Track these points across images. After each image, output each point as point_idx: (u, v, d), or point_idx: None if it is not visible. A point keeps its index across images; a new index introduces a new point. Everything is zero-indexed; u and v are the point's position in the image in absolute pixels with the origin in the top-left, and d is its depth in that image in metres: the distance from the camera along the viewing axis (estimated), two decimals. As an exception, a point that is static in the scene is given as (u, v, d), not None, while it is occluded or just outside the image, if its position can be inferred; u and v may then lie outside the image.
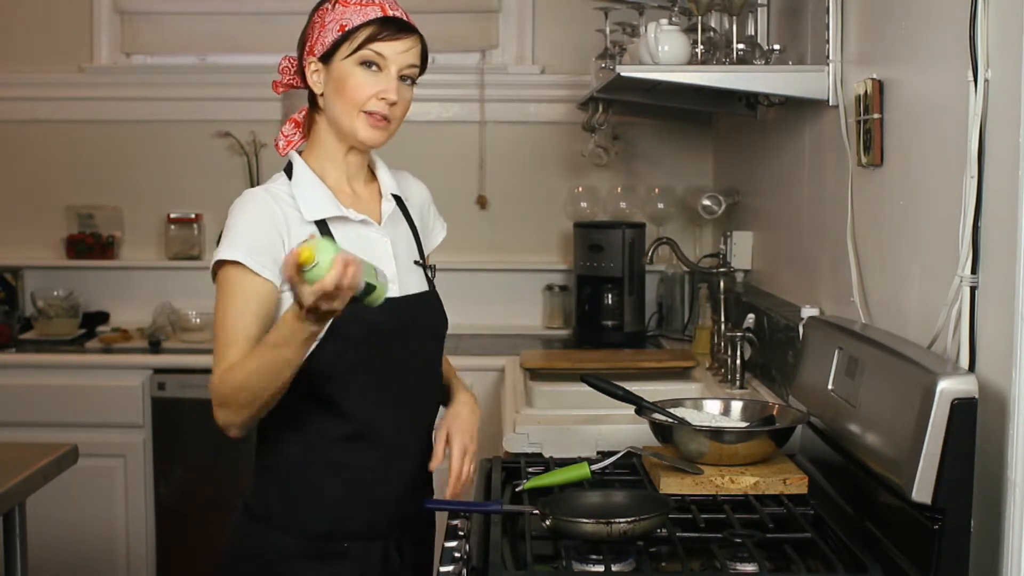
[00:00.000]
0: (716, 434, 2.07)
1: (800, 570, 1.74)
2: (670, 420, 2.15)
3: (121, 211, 4.31)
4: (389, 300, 1.88)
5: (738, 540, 1.81)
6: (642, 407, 2.20)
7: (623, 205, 4.13)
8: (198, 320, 4.00)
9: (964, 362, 1.75)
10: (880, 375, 1.85)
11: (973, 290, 1.74)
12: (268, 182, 1.94)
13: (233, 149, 4.25)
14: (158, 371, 3.76)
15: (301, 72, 1.94)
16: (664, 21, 2.65)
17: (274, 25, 4.30)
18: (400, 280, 1.93)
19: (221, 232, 1.86)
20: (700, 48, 2.67)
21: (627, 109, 3.83)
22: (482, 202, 4.25)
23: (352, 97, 1.86)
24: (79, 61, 4.28)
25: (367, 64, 1.85)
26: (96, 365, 3.81)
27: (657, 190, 4.11)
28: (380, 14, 1.86)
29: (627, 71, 2.67)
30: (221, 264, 1.82)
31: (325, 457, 1.88)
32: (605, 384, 2.23)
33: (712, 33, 2.84)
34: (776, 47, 2.71)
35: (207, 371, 3.82)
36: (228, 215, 1.86)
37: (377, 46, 1.85)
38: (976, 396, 1.61)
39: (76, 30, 4.27)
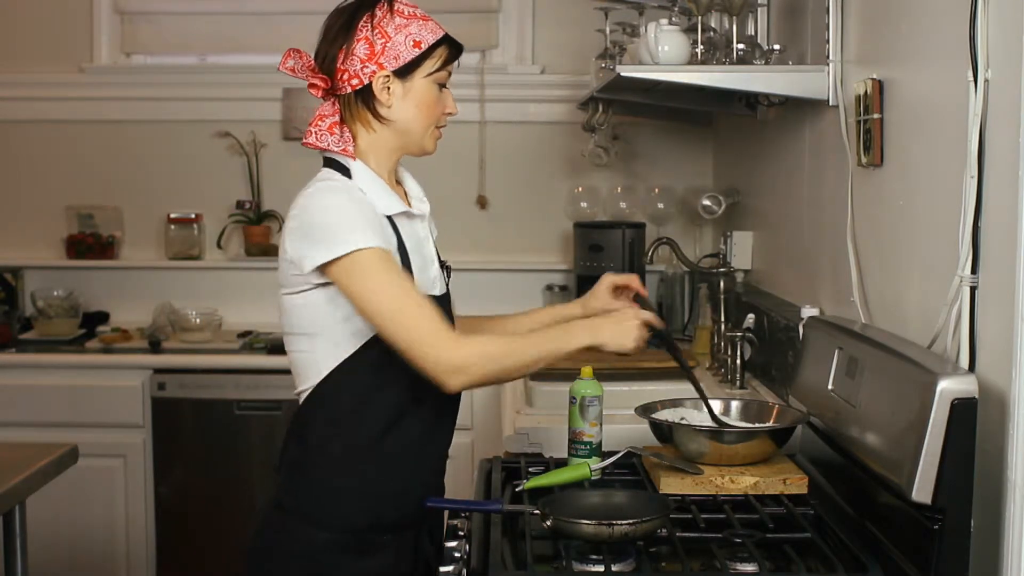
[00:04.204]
0: (716, 434, 2.07)
1: (800, 570, 1.74)
2: (670, 420, 2.15)
3: (121, 211, 4.31)
4: (439, 296, 1.96)
5: (738, 540, 1.81)
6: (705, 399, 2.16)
7: (623, 205, 4.13)
8: (198, 320, 4.00)
9: (964, 362, 1.75)
10: (880, 375, 1.85)
11: (973, 290, 1.74)
12: (324, 179, 1.90)
13: (233, 149, 4.26)
14: (158, 371, 3.76)
15: (330, 73, 1.90)
16: (664, 21, 2.65)
17: (274, 25, 4.30)
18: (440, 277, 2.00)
19: (303, 222, 1.82)
20: (700, 48, 2.67)
21: (627, 109, 3.83)
22: (482, 202, 4.25)
23: (432, 114, 1.94)
24: (79, 61, 4.28)
25: (440, 83, 1.94)
26: (96, 365, 3.81)
27: (657, 190, 4.10)
28: (441, 31, 1.93)
29: (627, 71, 2.67)
30: (346, 254, 1.79)
31: (366, 452, 1.89)
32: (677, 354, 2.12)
33: (712, 33, 2.84)
34: (776, 47, 2.71)
35: (207, 371, 3.88)
36: (318, 206, 1.84)
37: (451, 67, 1.95)
38: (976, 396, 1.61)
39: (76, 30, 4.28)
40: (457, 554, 1.88)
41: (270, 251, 4.24)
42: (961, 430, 1.60)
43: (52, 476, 2.61)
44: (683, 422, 2.16)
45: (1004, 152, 1.64)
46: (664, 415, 2.20)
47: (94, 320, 4.22)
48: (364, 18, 1.89)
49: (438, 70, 1.92)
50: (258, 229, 4.26)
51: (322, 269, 1.81)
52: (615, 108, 3.76)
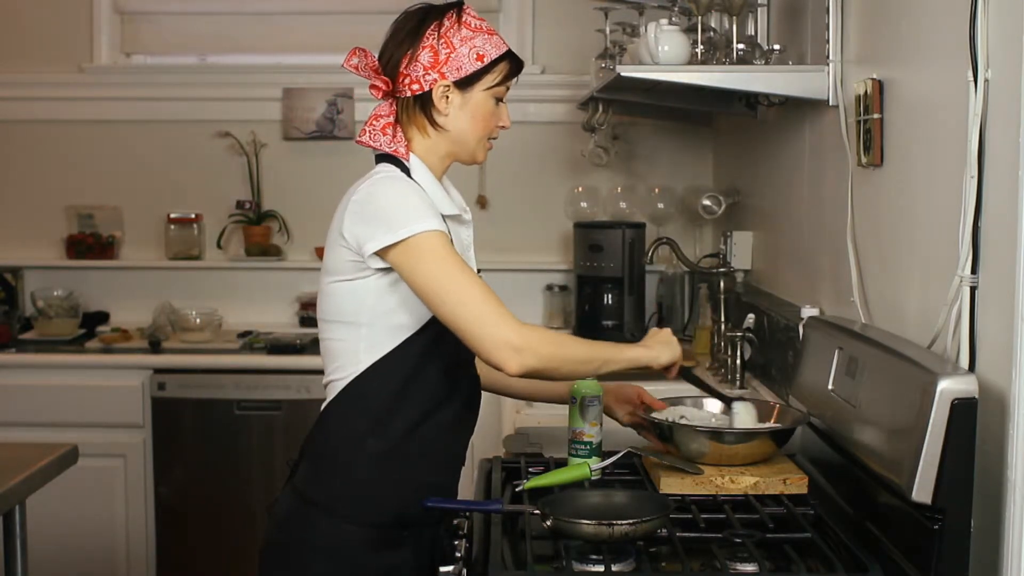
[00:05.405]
0: (716, 435, 2.07)
1: (800, 570, 1.74)
2: (670, 419, 2.16)
3: (121, 211, 4.31)
4: None
5: (738, 540, 1.81)
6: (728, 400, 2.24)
7: (623, 205, 4.13)
8: (198, 320, 4.00)
9: (964, 362, 1.75)
10: (880, 375, 1.85)
11: (973, 290, 1.74)
12: (383, 171, 1.91)
13: (233, 149, 4.26)
14: (158, 371, 3.76)
15: (393, 76, 1.92)
16: (664, 21, 2.65)
17: (274, 25, 4.30)
18: None
19: (365, 208, 1.84)
20: (700, 48, 2.68)
21: (627, 109, 3.83)
22: (482, 202, 4.25)
23: (487, 126, 1.97)
24: (79, 61, 4.28)
25: (498, 97, 1.97)
26: (96, 365, 3.81)
27: (657, 190, 4.11)
28: (504, 46, 1.96)
29: (627, 71, 2.67)
30: (408, 237, 1.81)
31: (397, 447, 1.90)
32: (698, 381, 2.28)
33: (712, 33, 2.84)
34: (776, 47, 2.71)
35: (207, 371, 3.88)
36: (381, 192, 1.86)
37: (510, 83, 1.98)
38: (976, 396, 1.61)
39: (76, 30, 4.28)
40: (457, 554, 1.88)
41: (270, 251, 4.25)
42: (961, 430, 1.60)
43: (52, 476, 2.60)
44: (683, 420, 2.16)
45: (1004, 152, 1.64)
46: (664, 414, 2.20)
47: (94, 320, 4.22)
48: (432, 26, 1.92)
49: (497, 84, 1.95)
50: (258, 229, 4.26)
51: (382, 253, 1.82)
52: (615, 108, 3.76)
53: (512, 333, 1.78)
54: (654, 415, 2.18)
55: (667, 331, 2.08)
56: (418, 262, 1.81)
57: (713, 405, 2.29)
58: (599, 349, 1.95)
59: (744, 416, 2.18)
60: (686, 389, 2.27)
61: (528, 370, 1.80)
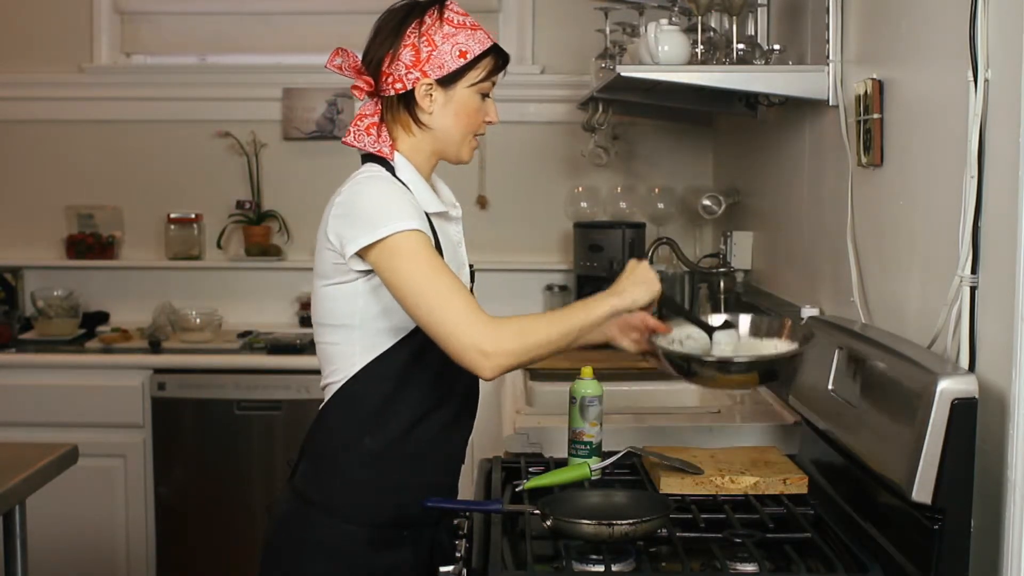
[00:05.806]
0: (724, 363, 1.96)
1: (800, 570, 1.74)
2: (682, 351, 2.01)
3: (121, 211, 4.31)
4: None
5: (738, 540, 1.81)
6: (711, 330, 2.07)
7: (623, 205, 4.13)
8: (198, 320, 4.00)
9: (964, 362, 1.75)
10: (880, 375, 1.85)
11: (973, 290, 1.74)
12: (367, 171, 1.90)
13: (233, 149, 4.26)
14: (158, 371, 3.76)
15: (375, 75, 1.91)
16: (664, 21, 2.65)
17: (274, 25, 4.30)
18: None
19: (347, 209, 1.83)
20: (700, 48, 2.68)
21: (627, 109, 3.83)
22: (482, 202, 4.25)
23: (472, 123, 1.96)
24: (79, 61, 4.28)
25: (483, 93, 1.95)
26: (96, 365, 3.81)
27: (657, 190, 4.10)
28: (489, 41, 1.94)
29: (627, 71, 2.67)
30: (387, 236, 1.80)
31: (392, 448, 1.91)
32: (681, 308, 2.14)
33: (712, 33, 2.84)
34: (776, 47, 2.71)
35: (207, 371, 3.88)
36: (362, 192, 1.85)
37: (495, 77, 1.96)
38: (976, 396, 1.61)
39: (76, 30, 4.28)
40: (457, 554, 1.89)
41: (270, 251, 4.25)
42: (961, 430, 1.60)
43: (52, 476, 2.60)
44: (689, 341, 2.03)
45: (1004, 152, 1.64)
46: (670, 337, 2.03)
47: (94, 320, 4.22)
48: (413, 24, 1.90)
49: (482, 80, 1.93)
50: (258, 229, 4.26)
51: (363, 254, 1.82)
52: (615, 108, 3.76)
53: (481, 337, 1.76)
54: (659, 339, 2.01)
55: (643, 266, 1.94)
56: (395, 262, 1.80)
57: (717, 322, 2.10)
58: (572, 317, 1.85)
59: (726, 348, 2.04)
60: (684, 390, 2.25)
61: (503, 371, 1.79)
